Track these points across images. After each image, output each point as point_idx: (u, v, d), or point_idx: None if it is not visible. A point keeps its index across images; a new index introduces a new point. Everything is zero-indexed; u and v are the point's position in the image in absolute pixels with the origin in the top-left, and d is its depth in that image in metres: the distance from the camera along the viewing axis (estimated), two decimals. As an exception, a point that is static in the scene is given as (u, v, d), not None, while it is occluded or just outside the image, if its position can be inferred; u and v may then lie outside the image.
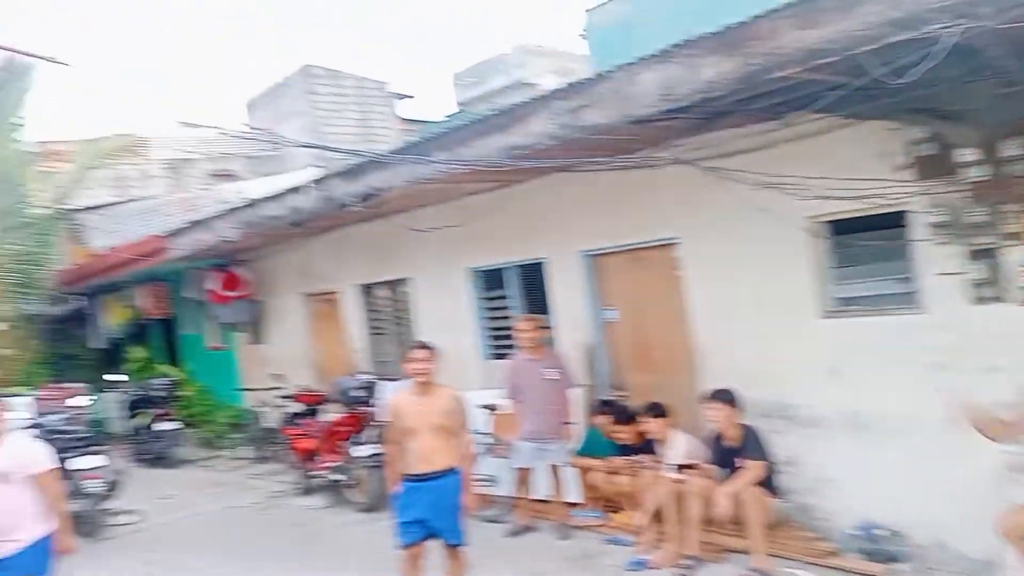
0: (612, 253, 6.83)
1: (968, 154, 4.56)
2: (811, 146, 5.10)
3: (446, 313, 8.47)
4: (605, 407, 6.67)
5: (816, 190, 4.85)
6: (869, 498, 5.20)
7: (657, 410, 6.09)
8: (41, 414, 9.73)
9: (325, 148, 12.76)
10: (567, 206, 6.96)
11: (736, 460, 5.50)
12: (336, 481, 8.07)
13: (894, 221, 4.99)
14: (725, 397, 5.59)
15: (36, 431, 8.78)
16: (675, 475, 5.70)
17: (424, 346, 4.99)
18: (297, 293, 11.11)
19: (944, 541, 4.90)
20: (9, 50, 10.93)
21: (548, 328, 7.18)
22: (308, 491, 8.75)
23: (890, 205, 4.83)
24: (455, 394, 4.87)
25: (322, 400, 9.35)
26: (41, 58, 9.73)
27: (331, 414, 9.08)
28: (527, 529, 6.59)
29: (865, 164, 4.85)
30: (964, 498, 4.67)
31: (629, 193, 6.32)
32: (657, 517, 5.80)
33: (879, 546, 5.07)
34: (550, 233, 7.18)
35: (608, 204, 6.58)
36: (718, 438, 5.69)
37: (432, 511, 4.75)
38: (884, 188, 4.76)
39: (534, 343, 6.55)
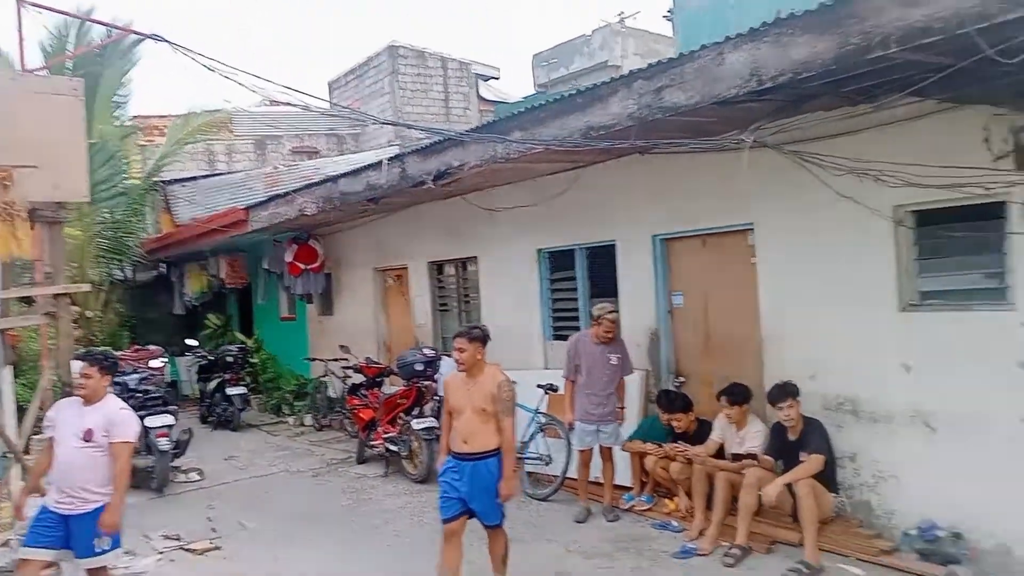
0: (684, 237, 6.70)
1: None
2: (903, 131, 4.90)
3: (512, 292, 8.48)
4: (663, 395, 6.54)
5: (906, 177, 4.65)
6: (932, 498, 4.99)
7: (737, 394, 5.77)
8: (121, 373, 10.20)
9: (404, 125, 12.92)
10: (642, 189, 6.87)
11: (797, 453, 5.35)
12: (392, 451, 8.17)
13: (988, 212, 4.73)
14: (794, 391, 5.42)
15: (114, 389, 9.19)
16: (735, 464, 5.57)
17: (461, 335, 4.78)
18: (368, 267, 11.31)
19: (1008, 546, 4.68)
20: (111, 26, 11.36)
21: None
22: (365, 460, 8.90)
23: (987, 195, 4.57)
24: (502, 379, 4.71)
25: (386, 372, 9.48)
26: (141, 35, 10.06)
27: (393, 386, 9.21)
28: (590, 512, 6.49)
29: (962, 151, 4.61)
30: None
31: (706, 177, 6.19)
32: (708, 504, 5.70)
33: (938, 547, 4.85)
34: (623, 216, 7.10)
35: (684, 188, 6.47)
36: (781, 430, 5.52)
37: (470, 491, 4.68)
38: (982, 177, 4.51)
39: (612, 333, 6.42)
